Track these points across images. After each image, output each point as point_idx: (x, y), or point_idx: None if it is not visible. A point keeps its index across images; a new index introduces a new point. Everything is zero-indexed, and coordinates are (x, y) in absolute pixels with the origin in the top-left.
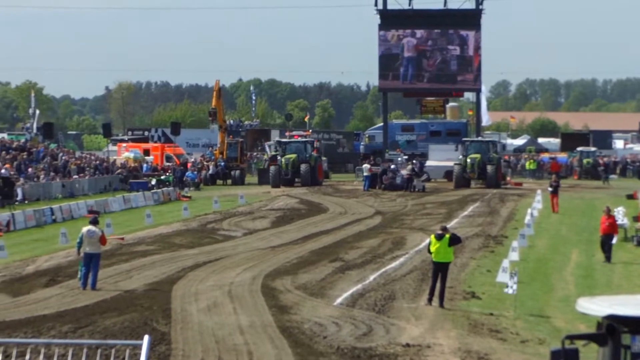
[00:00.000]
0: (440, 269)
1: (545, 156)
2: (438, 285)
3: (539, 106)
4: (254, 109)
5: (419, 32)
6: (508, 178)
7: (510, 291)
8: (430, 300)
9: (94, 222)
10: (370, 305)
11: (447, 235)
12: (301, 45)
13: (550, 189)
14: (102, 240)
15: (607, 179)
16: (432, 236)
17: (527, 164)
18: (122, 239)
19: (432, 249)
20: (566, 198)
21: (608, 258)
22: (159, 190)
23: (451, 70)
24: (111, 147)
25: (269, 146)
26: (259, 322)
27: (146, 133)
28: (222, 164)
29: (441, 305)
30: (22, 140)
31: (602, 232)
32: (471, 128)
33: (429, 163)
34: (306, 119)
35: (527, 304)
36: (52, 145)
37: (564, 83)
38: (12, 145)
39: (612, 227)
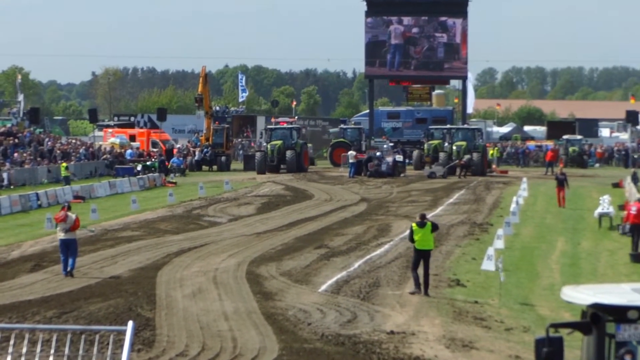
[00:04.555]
0: (423, 257)
1: (531, 144)
2: (421, 273)
3: (525, 94)
4: (242, 95)
5: (406, 19)
6: (494, 166)
7: (502, 278)
8: (418, 289)
9: (68, 207)
10: (354, 292)
11: (429, 223)
12: (288, 31)
13: (556, 180)
14: (76, 223)
15: None
16: (414, 224)
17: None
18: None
19: (416, 237)
20: (551, 186)
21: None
22: (145, 176)
23: (438, 58)
24: (97, 133)
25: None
26: (243, 308)
27: (132, 119)
28: (206, 150)
29: (426, 293)
30: (8, 125)
31: (632, 221)
32: (457, 116)
33: None
34: (293, 105)
35: (512, 292)
36: (38, 131)
37: (550, 71)
38: None
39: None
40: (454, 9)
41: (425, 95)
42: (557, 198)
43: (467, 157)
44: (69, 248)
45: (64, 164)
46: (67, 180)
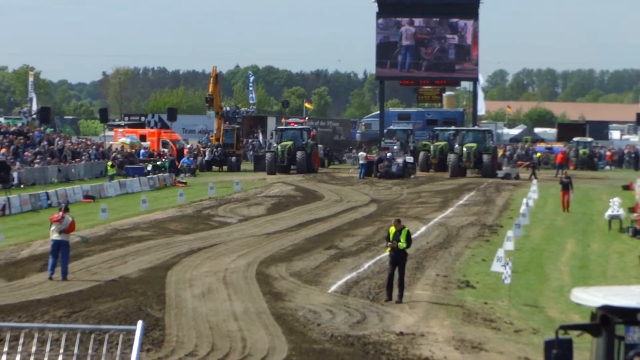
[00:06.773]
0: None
1: (541, 146)
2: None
3: (536, 96)
4: (252, 95)
5: (417, 21)
6: (504, 167)
7: (506, 281)
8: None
9: (66, 209)
10: (364, 293)
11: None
12: (299, 32)
13: (560, 184)
14: (71, 226)
15: None
16: (406, 229)
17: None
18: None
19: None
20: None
21: None
22: (155, 175)
23: (449, 59)
24: (108, 132)
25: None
26: (253, 308)
27: (143, 119)
28: (217, 150)
29: (401, 299)
30: (19, 124)
31: None
32: (467, 117)
33: None
34: (308, 105)
35: (522, 294)
36: (49, 130)
37: (561, 73)
38: (8, 130)
39: None
40: (465, 10)
41: (435, 97)
42: (561, 202)
43: (536, 156)
44: (60, 250)
45: (110, 162)
46: (112, 178)
